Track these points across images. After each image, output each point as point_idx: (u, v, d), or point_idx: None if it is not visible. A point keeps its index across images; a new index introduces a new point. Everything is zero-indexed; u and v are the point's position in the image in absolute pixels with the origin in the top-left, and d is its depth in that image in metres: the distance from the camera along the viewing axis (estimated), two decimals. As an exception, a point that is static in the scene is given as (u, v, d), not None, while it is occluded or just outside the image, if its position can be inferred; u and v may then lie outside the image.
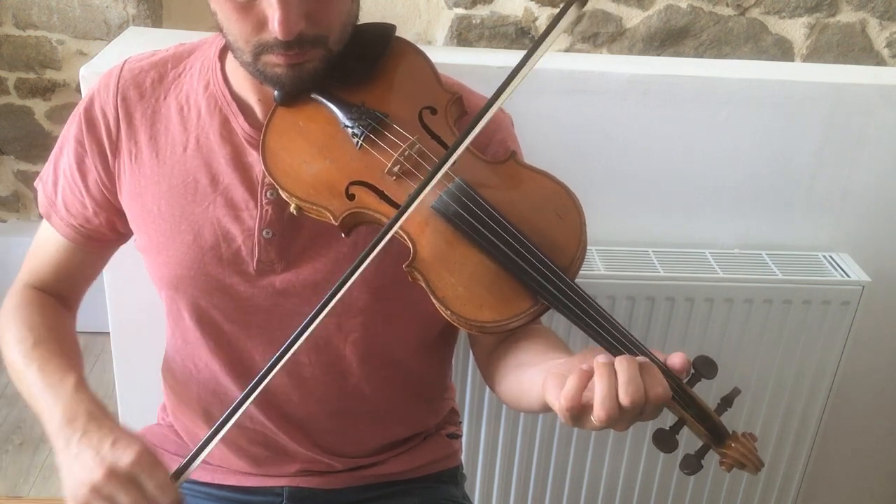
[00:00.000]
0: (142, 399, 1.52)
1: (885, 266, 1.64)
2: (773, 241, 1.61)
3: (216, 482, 1.15)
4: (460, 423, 1.31)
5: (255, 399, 1.07)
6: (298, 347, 1.04)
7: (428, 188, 0.86)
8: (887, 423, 1.84)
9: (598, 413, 0.77)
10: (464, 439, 1.49)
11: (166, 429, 1.21)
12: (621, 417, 0.78)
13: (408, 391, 1.15)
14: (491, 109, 0.86)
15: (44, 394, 0.99)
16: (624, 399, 0.76)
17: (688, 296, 1.50)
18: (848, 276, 1.53)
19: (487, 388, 1.56)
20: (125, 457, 0.89)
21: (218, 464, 1.15)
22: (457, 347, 1.24)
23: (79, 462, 0.90)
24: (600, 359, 0.79)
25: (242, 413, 1.09)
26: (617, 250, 1.55)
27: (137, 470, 0.88)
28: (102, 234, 1.09)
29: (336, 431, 1.12)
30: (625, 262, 1.52)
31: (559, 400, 0.80)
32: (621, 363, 0.78)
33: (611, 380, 0.77)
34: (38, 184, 1.12)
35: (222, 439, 1.12)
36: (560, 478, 1.66)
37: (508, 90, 0.85)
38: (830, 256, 1.59)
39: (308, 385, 1.08)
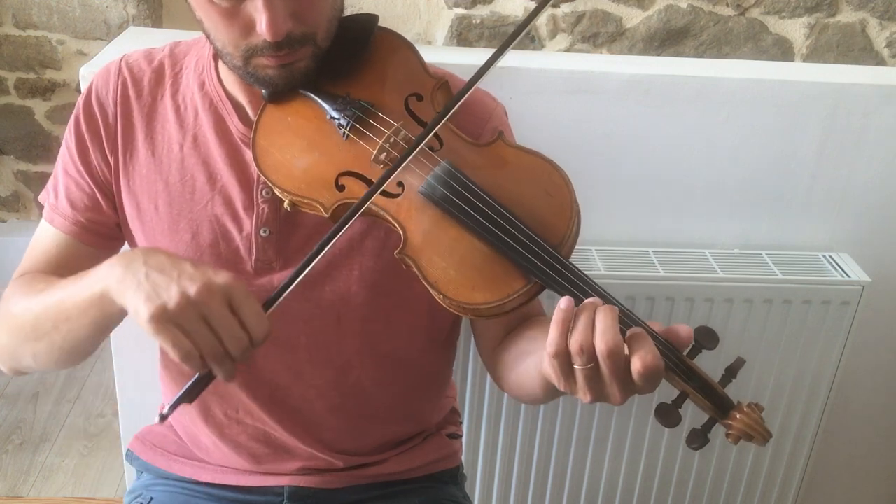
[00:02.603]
0: (142, 399, 1.52)
1: (885, 266, 1.64)
2: (773, 241, 1.61)
3: (216, 482, 1.15)
4: (461, 422, 1.31)
5: (255, 394, 1.08)
6: (298, 342, 1.04)
7: (403, 165, 0.87)
8: (887, 423, 1.84)
9: (574, 348, 0.77)
10: (464, 439, 1.49)
11: (166, 428, 1.21)
12: (607, 378, 0.78)
13: (409, 387, 1.15)
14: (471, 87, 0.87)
15: (80, 278, 0.89)
16: (600, 345, 0.76)
17: (688, 296, 1.50)
18: (848, 276, 1.53)
19: (487, 388, 1.56)
20: (220, 276, 0.79)
21: (218, 463, 1.15)
22: (457, 347, 1.24)
23: (154, 281, 0.79)
24: (588, 300, 0.80)
25: (246, 399, 1.08)
26: (617, 250, 1.55)
27: (234, 291, 0.79)
28: (110, 230, 1.09)
29: (336, 427, 1.12)
30: (625, 262, 1.52)
31: (546, 349, 0.80)
32: (600, 312, 0.78)
33: (588, 323, 0.78)
34: (41, 197, 1.10)
35: (222, 438, 1.13)
36: (560, 478, 1.66)
37: (486, 71, 0.88)
38: (830, 256, 1.59)
39: (308, 380, 1.08)
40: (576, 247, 0.90)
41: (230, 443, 1.13)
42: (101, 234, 1.08)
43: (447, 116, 0.88)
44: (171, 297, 0.78)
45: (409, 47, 1.00)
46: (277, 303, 0.84)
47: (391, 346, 1.09)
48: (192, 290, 0.78)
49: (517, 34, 0.87)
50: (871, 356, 1.73)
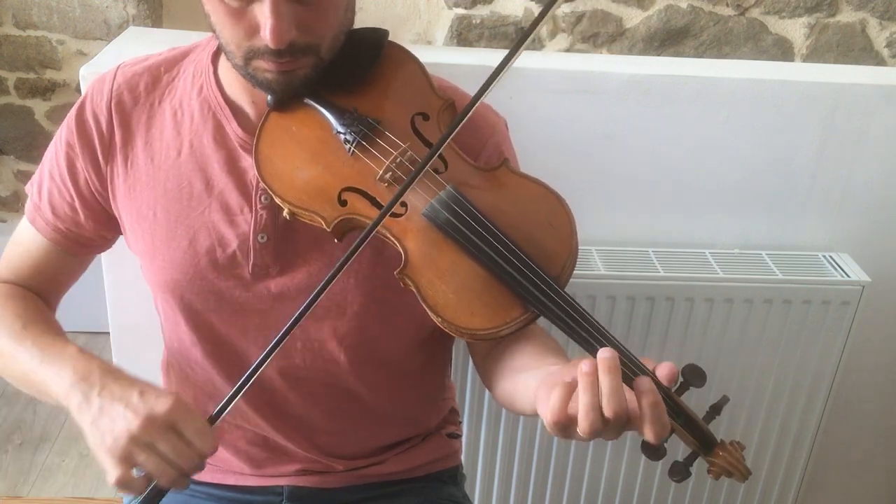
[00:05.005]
0: (142, 399, 1.52)
1: (885, 266, 1.64)
2: (773, 241, 1.61)
3: (216, 482, 1.15)
4: (460, 422, 1.31)
5: (252, 399, 1.08)
6: (294, 349, 1.04)
7: (411, 185, 0.87)
8: (887, 423, 1.84)
9: (582, 426, 0.77)
10: (464, 439, 1.49)
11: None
12: (606, 429, 0.78)
13: (405, 392, 1.15)
14: (474, 106, 0.87)
15: (46, 363, 0.96)
16: (607, 411, 0.76)
17: (688, 296, 1.50)
18: (848, 276, 1.53)
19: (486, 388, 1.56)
20: (160, 404, 0.87)
21: (217, 464, 1.15)
22: (456, 347, 1.24)
23: (107, 416, 0.88)
24: (584, 367, 0.78)
25: (244, 405, 1.09)
26: (617, 250, 1.55)
27: (175, 416, 0.87)
28: (88, 240, 1.09)
29: (335, 432, 1.12)
30: (625, 262, 1.52)
31: (545, 415, 0.79)
32: (605, 375, 0.77)
33: (594, 391, 0.77)
34: (27, 187, 1.11)
35: (221, 442, 1.12)
36: (560, 478, 1.66)
37: (489, 90, 0.86)
38: (830, 256, 1.59)
39: (305, 386, 1.08)
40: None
41: (229, 447, 1.13)
42: (80, 244, 1.09)
43: (450, 137, 0.88)
44: (119, 436, 0.87)
45: (417, 64, 1.00)
46: (222, 417, 0.90)
47: (387, 353, 1.09)
48: (134, 425, 0.86)
49: (517, 46, 0.87)
50: (871, 356, 1.72)
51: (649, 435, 0.77)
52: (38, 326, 1.02)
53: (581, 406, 0.76)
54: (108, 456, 0.87)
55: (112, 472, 0.87)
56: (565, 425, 0.79)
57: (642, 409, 0.77)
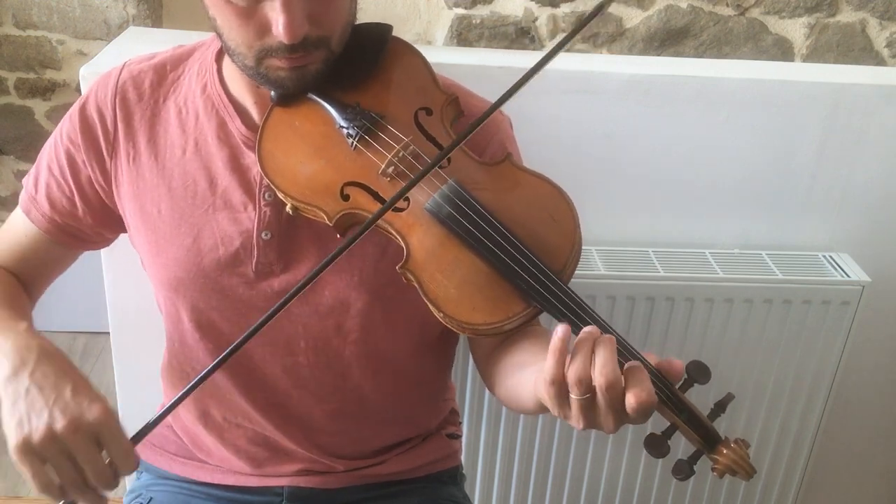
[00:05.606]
0: (142, 399, 1.52)
1: (885, 266, 1.64)
2: (773, 241, 1.61)
3: (216, 482, 1.15)
4: (460, 423, 1.31)
5: (253, 398, 1.09)
6: (297, 347, 1.04)
7: (415, 185, 0.87)
8: (887, 423, 1.84)
9: (572, 379, 0.76)
10: (464, 439, 1.49)
11: (166, 429, 1.21)
12: (602, 409, 0.77)
13: (408, 392, 1.15)
14: (486, 117, 0.86)
15: None
16: (599, 379, 0.76)
17: (688, 296, 1.50)
18: (848, 276, 1.53)
19: (487, 389, 1.56)
20: (91, 411, 0.83)
21: (217, 464, 1.15)
22: (457, 348, 1.24)
23: (31, 400, 0.84)
24: (587, 328, 0.79)
25: (245, 403, 1.09)
26: (617, 250, 1.55)
27: (103, 429, 0.83)
28: (85, 235, 1.10)
29: (336, 432, 1.12)
30: (625, 262, 1.52)
31: (542, 379, 0.79)
32: (600, 345, 0.77)
33: (587, 355, 0.77)
34: (24, 180, 1.12)
35: (221, 441, 1.13)
36: (560, 478, 1.66)
37: (508, 97, 0.86)
38: (830, 256, 1.59)
39: (307, 385, 1.08)
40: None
41: (230, 446, 1.13)
42: (75, 236, 1.10)
43: (462, 141, 0.88)
44: (38, 429, 0.82)
45: (421, 59, 1.00)
46: (148, 434, 0.85)
47: (390, 352, 1.09)
48: (58, 424, 0.82)
49: (547, 59, 0.87)
50: (871, 356, 1.72)
51: (631, 399, 0.76)
52: (2, 301, 1.02)
53: (573, 367, 0.77)
54: (19, 451, 0.83)
55: (25, 469, 0.83)
56: (562, 384, 0.78)
57: (624, 371, 0.77)
